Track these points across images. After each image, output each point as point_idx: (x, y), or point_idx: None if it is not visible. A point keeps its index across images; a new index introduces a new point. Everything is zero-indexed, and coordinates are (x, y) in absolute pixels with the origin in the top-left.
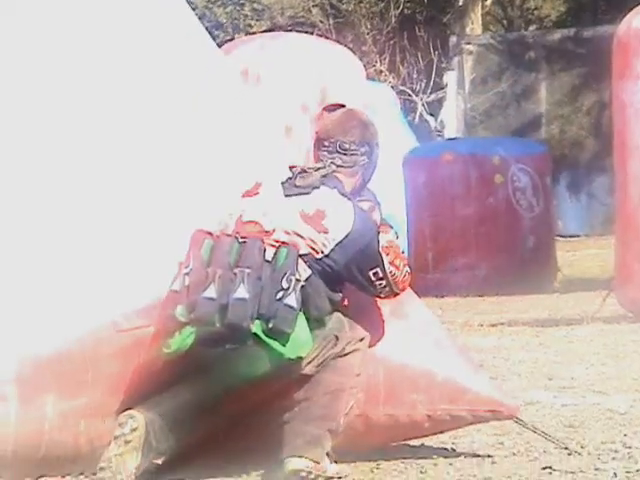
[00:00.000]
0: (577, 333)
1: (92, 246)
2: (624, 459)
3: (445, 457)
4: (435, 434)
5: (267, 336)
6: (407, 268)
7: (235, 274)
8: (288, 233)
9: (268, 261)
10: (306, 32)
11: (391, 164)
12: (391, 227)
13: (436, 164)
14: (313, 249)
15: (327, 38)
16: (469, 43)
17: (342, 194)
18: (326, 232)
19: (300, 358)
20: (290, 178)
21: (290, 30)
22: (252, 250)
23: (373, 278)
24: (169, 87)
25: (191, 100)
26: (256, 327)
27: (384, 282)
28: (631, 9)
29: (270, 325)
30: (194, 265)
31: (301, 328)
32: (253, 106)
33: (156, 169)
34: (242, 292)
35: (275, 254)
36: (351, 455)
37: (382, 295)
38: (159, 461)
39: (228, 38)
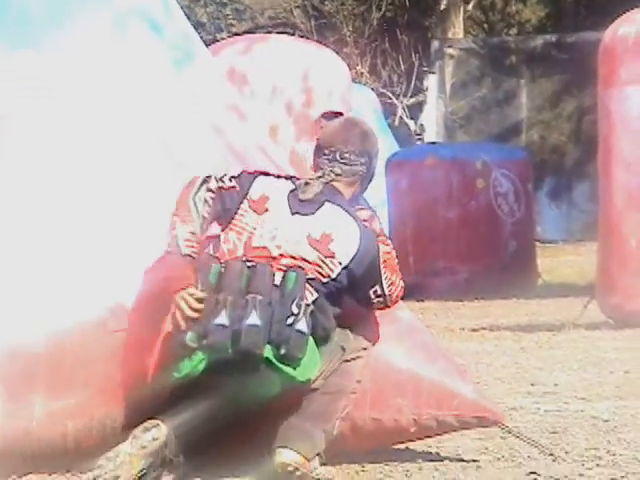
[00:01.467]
0: (559, 339)
1: (84, 245)
2: (608, 466)
3: (430, 461)
4: (420, 439)
5: (279, 361)
6: (402, 282)
7: (247, 300)
8: (295, 258)
9: (276, 285)
10: (287, 33)
11: None
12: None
13: (419, 168)
14: (320, 273)
15: (308, 39)
16: (450, 47)
17: (346, 211)
18: (332, 257)
19: (310, 380)
20: (293, 190)
21: (271, 31)
22: (262, 276)
23: (372, 296)
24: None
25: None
26: (267, 352)
27: (381, 299)
28: (612, 16)
29: (282, 351)
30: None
31: (311, 351)
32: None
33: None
34: (255, 319)
35: (283, 278)
36: (336, 457)
37: (375, 308)
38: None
39: (209, 38)
